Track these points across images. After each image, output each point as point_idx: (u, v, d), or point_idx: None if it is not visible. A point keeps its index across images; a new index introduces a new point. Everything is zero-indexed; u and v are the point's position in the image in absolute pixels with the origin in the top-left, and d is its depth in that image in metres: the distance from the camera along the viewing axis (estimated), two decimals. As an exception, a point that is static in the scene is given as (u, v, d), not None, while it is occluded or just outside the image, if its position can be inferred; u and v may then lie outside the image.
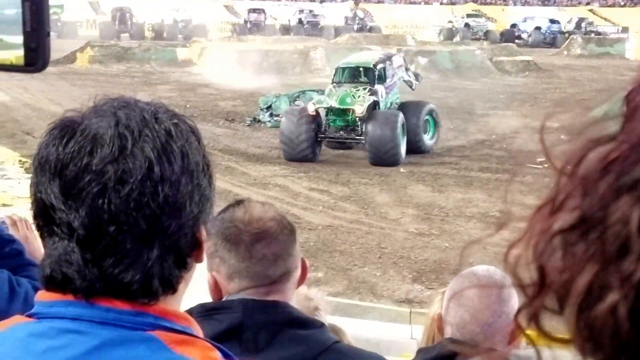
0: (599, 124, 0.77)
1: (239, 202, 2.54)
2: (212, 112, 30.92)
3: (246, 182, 20.30)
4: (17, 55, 1.78)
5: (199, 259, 1.61)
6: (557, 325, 0.77)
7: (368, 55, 27.11)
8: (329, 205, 18.46)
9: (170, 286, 1.55)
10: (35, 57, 1.77)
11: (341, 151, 23.69)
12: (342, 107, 22.75)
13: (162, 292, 1.53)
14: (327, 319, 3.43)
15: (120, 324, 1.50)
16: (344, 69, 24.59)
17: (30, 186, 1.55)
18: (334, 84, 23.95)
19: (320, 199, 19.04)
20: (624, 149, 0.73)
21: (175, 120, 1.58)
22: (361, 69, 24.35)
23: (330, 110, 22.95)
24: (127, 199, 1.47)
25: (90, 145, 1.49)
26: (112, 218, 1.47)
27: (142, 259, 1.50)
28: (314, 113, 22.48)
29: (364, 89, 23.33)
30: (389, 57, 25.75)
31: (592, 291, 0.72)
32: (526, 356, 0.91)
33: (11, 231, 3.13)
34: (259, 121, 28.32)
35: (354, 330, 5.96)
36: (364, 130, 22.47)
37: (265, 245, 2.43)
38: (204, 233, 1.60)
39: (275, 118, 27.24)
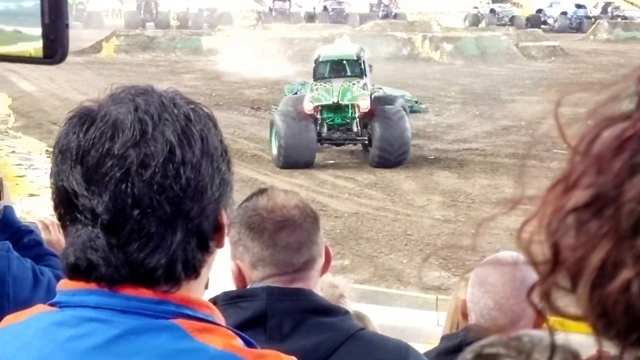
0: (613, 102, 0.76)
1: (262, 191, 2.54)
2: (238, 100, 30.98)
3: (272, 170, 20.33)
4: (35, 47, 1.78)
5: (220, 243, 1.61)
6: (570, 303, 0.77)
7: (347, 48, 25.25)
8: (354, 193, 18.46)
9: (193, 270, 1.55)
10: (54, 49, 1.76)
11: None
12: (344, 103, 20.57)
13: (184, 277, 1.54)
14: (353, 306, 3.42)
15: (143, 312, 1.50)
16: (325, 62, 22.42)
17: (50, 176, 1.56)
18: (319, 80, 21.76)
19: (346, 186, 19.04)
20: (639, 127, 0.73)
21: (193, 106, 1.59)
22: (344, 61, 22.47)
23: (326, 107, 20.79)
24: (150, 183, 1.48)
25: (111, 130, 1.50)
26: (136, 202, 1.48)
27: (166, 242, 1.50)
28: (312, 111, 20.50)
29: (357, 82, 21.35)
30: (362, 49, 23.66)
31: (606, 268, 0.73)
32: (539, 336, 0.91)
33: (44, 235, 3.15)
34: (284, 109, 28.18)
35: (381, 318, 5.96)
36: (364, 129, 20.65)
37: (289, 233, 2.43)
38: (225, 217, 1.60)
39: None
